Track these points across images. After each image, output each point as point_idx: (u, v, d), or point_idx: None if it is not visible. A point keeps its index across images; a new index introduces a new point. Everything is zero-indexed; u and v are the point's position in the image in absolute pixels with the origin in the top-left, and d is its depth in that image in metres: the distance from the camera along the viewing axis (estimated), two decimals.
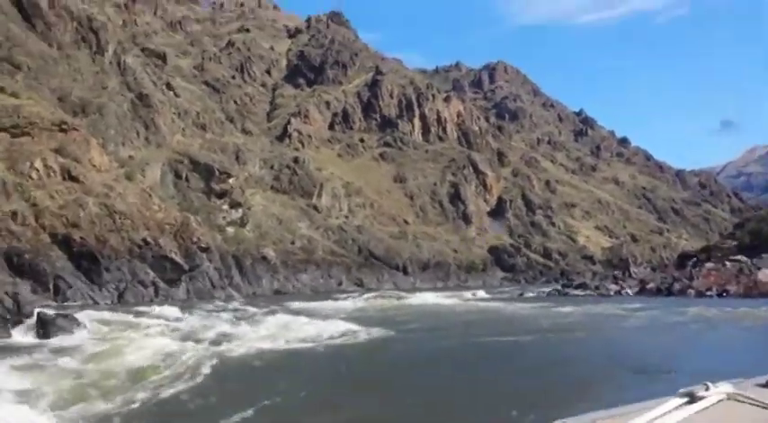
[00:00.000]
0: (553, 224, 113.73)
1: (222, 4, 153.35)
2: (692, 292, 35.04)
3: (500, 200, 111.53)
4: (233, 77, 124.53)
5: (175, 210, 54.99)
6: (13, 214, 44.80)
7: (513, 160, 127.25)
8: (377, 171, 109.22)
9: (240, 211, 66.01)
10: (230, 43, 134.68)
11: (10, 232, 44.17)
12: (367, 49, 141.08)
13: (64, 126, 51.75)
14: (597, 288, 47.64)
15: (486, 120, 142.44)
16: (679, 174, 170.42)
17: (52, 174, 48.31)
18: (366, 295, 47.19)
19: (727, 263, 40.52)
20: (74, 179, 49.05)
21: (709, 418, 2.42)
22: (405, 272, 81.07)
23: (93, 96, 63.56)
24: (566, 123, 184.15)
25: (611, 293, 43.89)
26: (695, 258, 69.39)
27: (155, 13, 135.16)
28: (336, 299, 42.22)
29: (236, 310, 30.88)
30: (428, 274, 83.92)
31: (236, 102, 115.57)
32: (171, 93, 75.85)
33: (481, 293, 52.33)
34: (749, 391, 2.69)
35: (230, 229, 62.70)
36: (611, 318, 23.22)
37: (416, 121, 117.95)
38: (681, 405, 2.52)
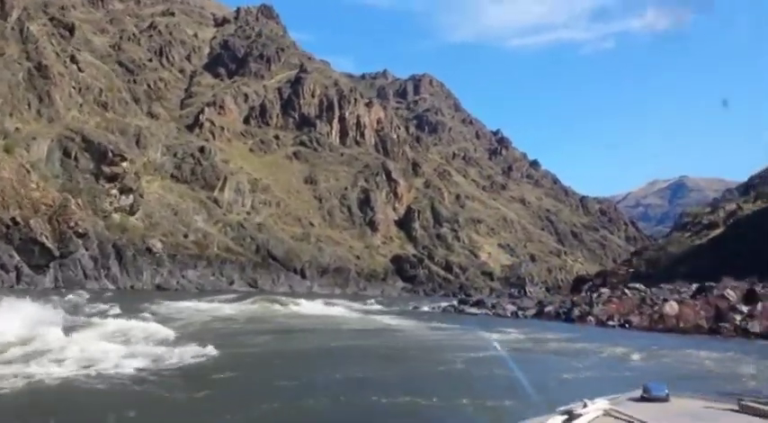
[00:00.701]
0: (458, 238, 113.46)
1: None
2: (591, 319, 33.69)
3: (409, 210, 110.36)
4: (150, 60, 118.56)
5: (55, 190, 50.53)
6: None
7: (427, 171, 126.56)
8: (288, 170, 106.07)
9: (131, 197, 61.72)
10: (152, 25, 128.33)
11: None
12: (294, 47, 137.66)
13: None
14: (494, 307, 46.10)
15: (406, 129, 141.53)
16: (583, 199, 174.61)
17: None
18: (251, 299, 44.23)
19: (627, 291, 39.68)
20: None
21: None
22: (303, 275, 78.36)
23: None
24: (482, 141, 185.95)
25: (508, 314, 42.42)
26: (591, 283, 69.87)
27: None
28: (213, 300, 39.19)
29: (76, 305, 27.50)
30: (327, 279, 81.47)
31: (149, 85, 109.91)
32: (74, 66, 70.45)
33: (373, 304, 50.28)
34: (623, 406, 2.86)
35: (116, 216, 58.42)
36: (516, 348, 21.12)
37: (335, 124, 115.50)
38: None
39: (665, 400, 3.50)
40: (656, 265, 71.91)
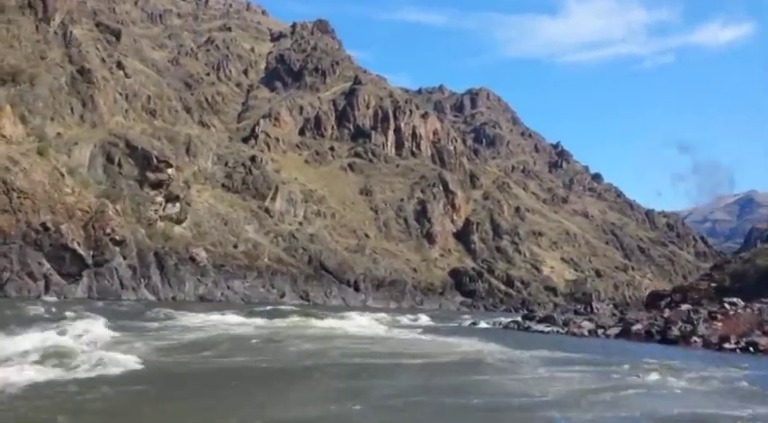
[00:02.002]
0: (519, 252, 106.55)
1: (207, 1, 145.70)
2: (697, 340, 26.43)
3: (467, 222, 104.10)
4: (207, 74, 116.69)
5: (92, 195, 46.68)
6: None
7: (486, 183, 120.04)
8: (343, 181, 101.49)
9: (177, 205, 57.70)
10: (210, 40, 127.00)
11: None
12: (349, 60, 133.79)
13: None
14: (566, 325, 39.14)
15: (463, 142, 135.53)
16: (648, 214, 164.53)
17: None
18: (291, 312, 38.90)
19: (727, 305, 32.36)
20: None
21: None
22: (356, 288, 72.98)
23: (28, 66, 55.39)
24: (542, 154, 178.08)
25: (585, 333, 35.52)
26: (668, 298, 62.16)
27: (135, 3, 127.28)
28: (248, 313, 34.05)
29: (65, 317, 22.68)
30: (382, 292, 75.89)
31: (207, 99, 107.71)
32: (121, 72, 67.58)
33: (425, 319, 44.23)
34: None
35: (161, 224, 54.39)
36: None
37: (390, 135, 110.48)
38: None
39: None
40: (743, 279, 64.07)
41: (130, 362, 11.31)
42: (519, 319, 46.66)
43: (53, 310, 25.62)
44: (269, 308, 38.20)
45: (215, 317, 27.67)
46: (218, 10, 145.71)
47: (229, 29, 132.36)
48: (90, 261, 42.31)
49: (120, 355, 11.68)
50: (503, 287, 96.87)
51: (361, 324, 30.97)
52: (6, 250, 38.26)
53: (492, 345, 22.12)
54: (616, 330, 35.29)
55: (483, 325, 44.10)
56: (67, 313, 23.80)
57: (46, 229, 40.49)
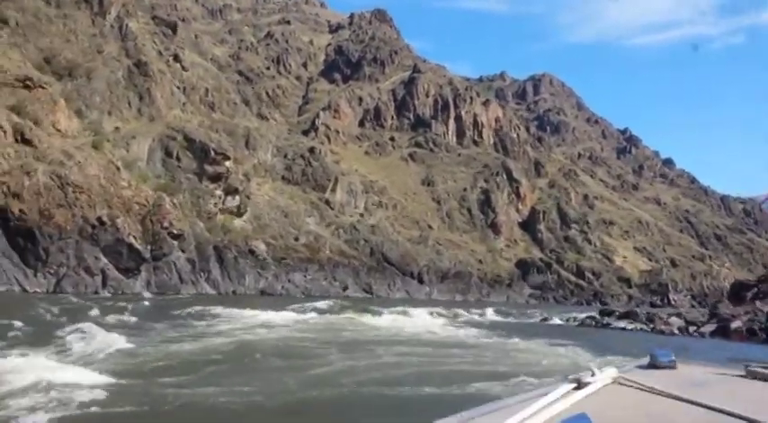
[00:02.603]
0: (589, 241, 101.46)
1: None
2: None
3: (533, 211, 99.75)
4: (267, 68, 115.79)
5: (149, 188, 45.40)
6: None
7: (551, 171, 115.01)
8: (404, 172, 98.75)
9: (237, 198, 56.16)
10: (269, 34, 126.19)
11: None
12: (408, 49, 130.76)
13: (28, 83, 42.72)
14: (651, 321, 35.13)
15: (527, 130, 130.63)
16: (724, 199, 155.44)
17: (2, 134, 39.10)
18: (348, 307, 36.38)
19: None
20: (27, 142, 39.82)
21: (595, 402, 2.44)
22: (420, 280, 70.23)
23: (84, 60, 54.76)
24: (609, 140, 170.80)
25: (675, 331, 31.57)
26: (755, 289, 56.88)
27: (196, 0, 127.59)
28: (301, 308, 31.67)
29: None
30: (446, 284, 72.88)
31: (267, 93, 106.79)
32: (178, 65, 66.56)
33: (492, 314, 41.08)
34: (630, 375, 2.80)
35: (220, 218, 52.91)
36: None
37: (451, 123, 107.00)
38: (569, 391, 2.52)
39: (672, 367, 3.37)
40: None
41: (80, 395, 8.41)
42: (595, 314, 42.70)
43: (92, 309, 23.48)
44: (328, 302, 35.69)
45: (263, 315, 25.25)
46: (277, 3, 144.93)
47: (288, 22, 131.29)
48: (148, 255, 40.95)
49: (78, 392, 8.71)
50: (573, 278, 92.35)
51: (418, 323, 27.93)
52: (63, 245, 37.15)
53: (580, 352, 18.83)
54: (711, 328, 31.16)
55: (556, 321, 40.56)
56: (92, 312, 21.83)
57: (102, 223, 39.27)
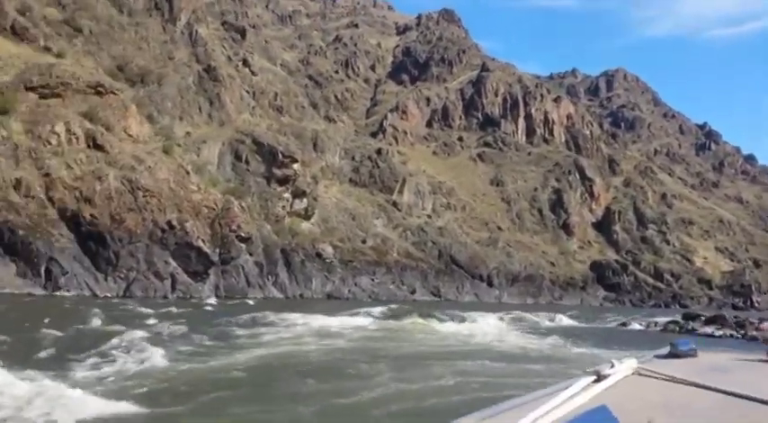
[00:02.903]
0: (667, 242, 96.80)
1: (335, 0, 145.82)
2: None
3: (608, 211, 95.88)
4: (336, 72, 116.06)
5: (218, 192, 45.54)
6: (17, 183, 36.70)
7: (626, 169, 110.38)
8: (473, 172, 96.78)
9: (305, 201, 55.91)
10: (338, 38, 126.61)
11: (10, 204, 36.13)
12: (476, 48, 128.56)
13: (100, 89, 43.53)
14: (741, 327, 32.20)
15: (600, 126, 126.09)
16: None
17: (74, 140, 39.95)
18: (412, 311, 35.09)
19: None
20: (98, 148, 40.50)
21: (616, 394, 2.43)
22: (489, 283, 68.31)
23: (156, 66, 55.73)
24: (687, 136, 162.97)
25: None
26: None
27: (266, 6, 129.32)
28: (365, 314, 30.56)
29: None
30: (517, 287, 70.68)
31: (336, 96, 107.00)
32: (246, 70, 67.05)
33: (565, 319, 38.96)
34: (651, 365, 2.77)
35: (288, 221, 52.72)
36: None
37: (521, 122, 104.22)
38: (589, 384, 2.50)
39: (693, 355, 3.32)
40: None
41: None
42: (678, 318, 39.79)
43: (149, 317, 22.69)
44: (391, 306, 34.47)
45: (320, 321, 24.13)
46: (345, 8, 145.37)
47: (356, 25, 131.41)
48: (216, 259, 40.96)
49: None
50: (650, 280, 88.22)
51: (487, 331, 26.27)
52: (133, 249, 37.52)
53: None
54: None
55: (635, 326, 38.03)
56: (149, 320, 21.04)
57: (171, 227, 39.50)
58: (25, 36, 47.64)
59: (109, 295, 35.49)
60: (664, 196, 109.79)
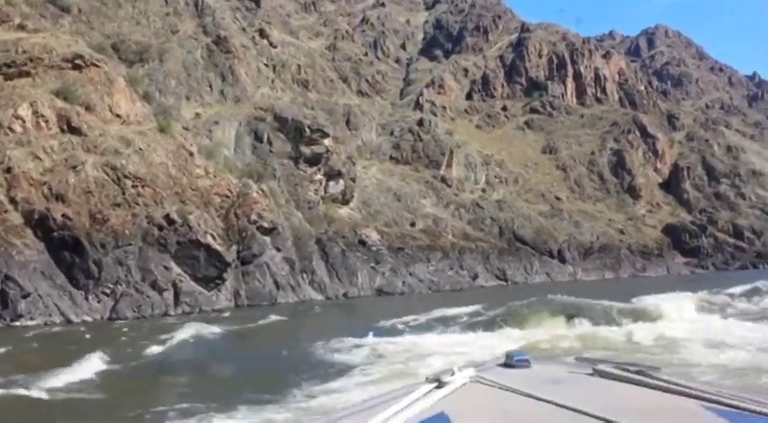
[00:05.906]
0: (743, 196, 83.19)
1: None
2: None
3: (675, 168, 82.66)
4: (365, 55, 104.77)
5: (234, 176, 35.07)
6: None
7: (687, 123, 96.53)
8: (522, 141, 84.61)
9: (341, 182, 45.15)
10: (365, 20, 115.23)
11: None
12: (511, 13, 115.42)
13: (79, 61, 33.38)
14: None
15: (649, 84, 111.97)
16: None
17: (43, 124, 29.84)
18: (528, 307, 23.59)
19: None
20: (74, 131, 30.34)
21: (454, 400, 2.40)
22: (561, 259, 56.49)
23: (158, 42, 45.65)
24: (737, 88, 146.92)
25: None
26: None
27: None
28: (452, 321, 19.55)
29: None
30: (591, 261, 58.68)
31: (367, 80, 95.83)
32: (264, 41, 56.36)
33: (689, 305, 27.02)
34: (488, 374, 2.73)
35: (322, 207, 42.02)
36: None
37: (569, 82, 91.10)
38: (430, 390, 2.46)
39: (526, 366, 3.20)
40: None
41: None
42: None
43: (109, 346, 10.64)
44: (477, 307, 22.70)
45: (382, 344, 13.40)
46: None
47: (383, 4, 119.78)
48: (232, 258, 30.49)
49: None
50: (731, 240, 75.15)
51: (688, 331, 14.62)
52: (120, 256, 27.27)
53: None
54: None
55: (731, 290, 27.57)
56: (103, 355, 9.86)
57: (171, 222, 29.15)
58: None
59: (89, 319, 25.32)
60: (729, 149, 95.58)
